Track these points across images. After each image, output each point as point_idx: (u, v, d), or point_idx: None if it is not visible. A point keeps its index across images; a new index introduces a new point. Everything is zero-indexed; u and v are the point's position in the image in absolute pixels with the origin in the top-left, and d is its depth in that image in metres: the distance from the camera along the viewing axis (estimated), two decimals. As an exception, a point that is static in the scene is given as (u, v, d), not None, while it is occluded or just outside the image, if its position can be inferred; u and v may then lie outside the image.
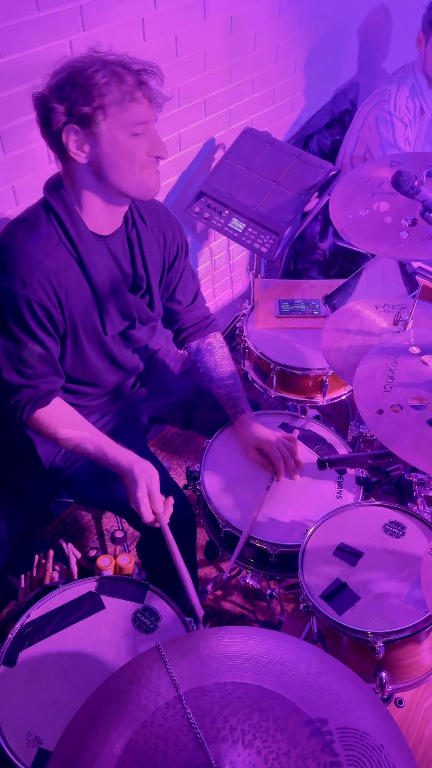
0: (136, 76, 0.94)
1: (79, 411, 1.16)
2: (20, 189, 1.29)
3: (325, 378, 1.39)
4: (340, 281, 1.52)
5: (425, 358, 1.01)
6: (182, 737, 0.61)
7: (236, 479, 1.20)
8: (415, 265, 1.54)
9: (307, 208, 1.62)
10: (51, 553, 1.07)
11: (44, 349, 1.05)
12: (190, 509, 1.23)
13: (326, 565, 0.93)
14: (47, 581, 1.01)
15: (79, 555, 1.10)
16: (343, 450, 1.24)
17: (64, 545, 1.11)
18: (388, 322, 1.28)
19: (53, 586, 0.97)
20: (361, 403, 0.94)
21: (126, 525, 1.66)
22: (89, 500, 1.24)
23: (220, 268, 2.11)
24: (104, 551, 1.34)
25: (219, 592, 1.59)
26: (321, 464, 1.11)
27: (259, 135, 1.67)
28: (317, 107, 2.11)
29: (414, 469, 1.07)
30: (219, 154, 1.80)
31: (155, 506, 1.03)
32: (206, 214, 1.65)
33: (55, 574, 1.04)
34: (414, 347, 1.03)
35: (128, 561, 1.03)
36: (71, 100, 0.91)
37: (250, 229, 1.60)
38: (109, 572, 1.01)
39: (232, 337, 1.63)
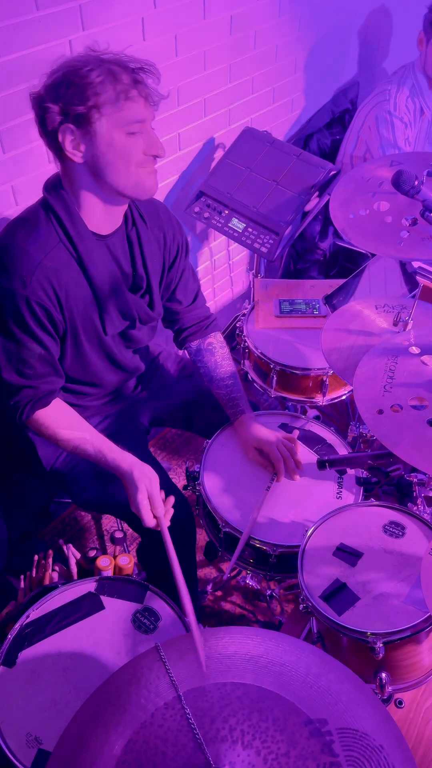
0: (131, 75, 0.93)
1: (79, 412, 1.16)
2: (20, 189, 1.29)
3: (325, 378, 1.39)
4: (341, 281, 1.52)
5: (425, 358, 1.01)
6: (181, 738, 0.61)
7: (236, 480, 1.19)
8: (416, 264, 1.53)
9: (307, 207, 1.62)
10: (50, 553, 1.07)
11: (44, 349, 1.05)
12: (190, 510, 1.23)
13: (326, 566, 0.93)
14: (47, 582, 1.01)
15: (78, 555, 1.10)
16: (343, 450, 1.24)
17: (64, 546, 1.11)
18: (388, 322, 1.28)
19: (53, 587, 0.97)
20: (361, 404, 0.94)
21: (126, 525, 1.66)
22: (90, 503, 1.24)
23: (220, 268, 2.11)
24: (104, 552, 1.33)
25: (219, 593, 1.59)
26: (321, 464, 1.11)
27: (259, 134, 1.67)
28: (317, 107, 2.11)
29: (414, 470, 1.07)
30: (219, 154, 1.80)
31: (156, 510, 1.02)
32: (206, 214, 1.65)
33: (55, 575, 1.04)
34: (414, 347, 1.03)
35: (128, 561, 1.03)
36: (66, 99, 0.91)
37: (250, 229, 1.60)
38: (109, 573, 1.01)
39: (232, 337, 1.63)
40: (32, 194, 1.10)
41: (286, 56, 1.88)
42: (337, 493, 1.16)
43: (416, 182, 0.97)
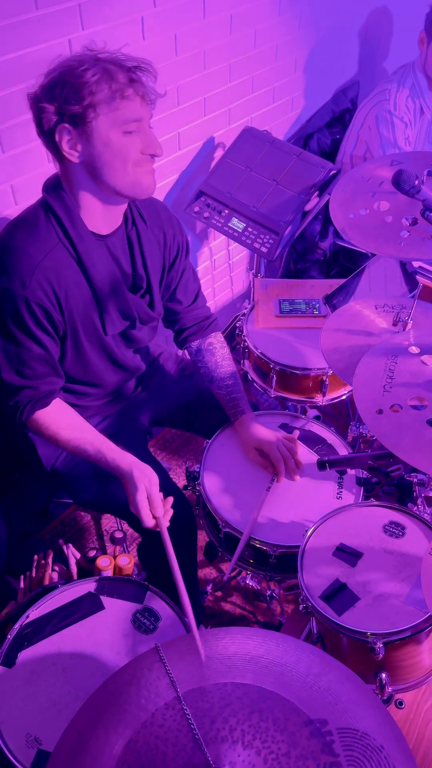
0: (127, 74, 0.93)
1: (79, 412, 1.16)
2: (19, 188, 1.29)
3: (324, 378, 1.39)
4: (341, 281, 1.52)
5: (425, 358, 1.01)
6: (182, 738, 0.61)
7: (236, 480, 1.19)
8: (416, 264, 1.53)
9: (308, 207, 1.61)
10: (50, 553, 1.07)
11: (43, 350, 1.05)
12: (191, 510, 1.23)
13: (326, 566, 0.93)
14: (46, 582, 1.01)
15: (78, 555, 1.10)
16: (343, 450, 1.24)
17: (64, 546, 1.10)
18: (388, 322, 1.28)
19: (52, 587, 0.96)
20: (361, 403, 0.94)
21: (125, 525, 1.65)
22: (90, 503, 1.24)
23: (220, 268, 2.10)
24: (104, 552, 1.33)
25: (219, 593, 1.59)
26: (321, 465, 1.11)
27: (258, 134, 1.67)
28: (317, 106, 2.11)
29: (414, 470, 1.07)
30: (219, 154, 1.80)
31: (155, 510, 1.02)
32: (206, 214, 1.65)
33: (55, 575, 1.04)
34: (414, 347, 1.03)
35: (128, 561, 1.03)
36: (62, 99, 0.91)
37: (250, 229, 1.60)
38: (109, 573, 1.01)
39: (232, 337, 1.63)
40: (32, 194, 1.10)
41: (286, 55, 1.87)
42: (337, 493, 1.16)
43: (416, 182, 0.97)
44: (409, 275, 1.54)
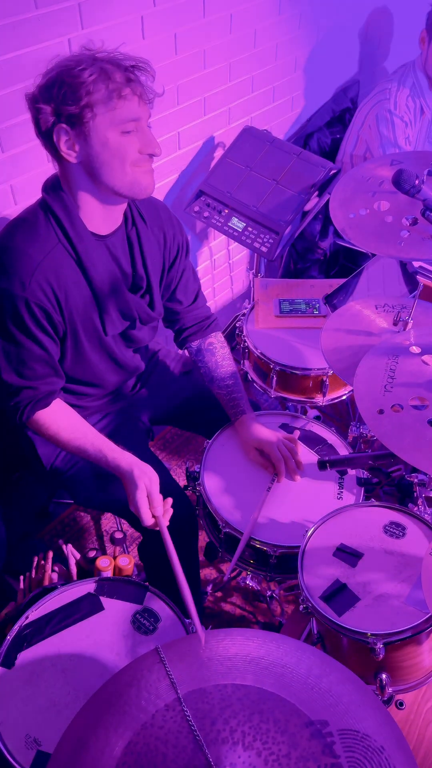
0: (124, 73, 0.92)
1: (79, 412, 1.15)
2: (19, 188, 1.29)
3: (325, 378, 1.39)
4: (341, 281, 1.52)
5: (426, 357, 1.00)
6: (182, 739, 0.60)
7: (236, 480, 1.19)
8: (416, 264, 1.53)
9: (308, 207, 1.61)
10: (50, 554, 1.07)
11: (43, 351, 1.05)
12: (192, 510, 1.23)
13: (326, 566, 0.93)
14: (46, 582, 1.01)
15: (78, 556, 1.09)
16: (343, 450, 1.24)
17: (63, 546, 1.10)
18: (388, 321, 1.27)
19: (52, 588, 0.96)
20: (362, 404, 0.93)
21: (125, 526, 1.65)
22: (90, 502, 1.24)
23: (220, 268, 2.10)
24: (103, 552, 1.33)
25: (219, 594, 1.59)
26: (321, 465, 1.11)
27: (259, 133, 1.67)
28: (317, 105, 2.10)
29: (415, 470, 1.06)
30: (219, 153, 1.79)
31: (155, 510, 1.02)
32: (206, 213, 1.64)
33: (54, 576, 1.04)
34: (414, 347, 1.02)
35: (127, 562, 1.03)
36: (59, 99, 0.91)
37: (250, 228, 1.59)
38: (109, 573, 1.01)
39: (232, 337, 1.63)
40: (31, 193, 1.10)
41: (287, 55, 1.87)
42: (338, 493, 1.16)
43: (417, 181, 0.96)
44: (410, 275, 1.54)
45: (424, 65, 1.87)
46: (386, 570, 0.92)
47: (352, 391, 1.43)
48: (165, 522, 1.01)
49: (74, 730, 0.64)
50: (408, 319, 1.17)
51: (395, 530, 0.97)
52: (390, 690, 0.88)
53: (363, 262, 1.58)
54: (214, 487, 1.17)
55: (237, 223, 1.61)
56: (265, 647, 0.68)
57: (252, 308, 1.57)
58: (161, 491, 1.05)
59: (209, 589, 1.55)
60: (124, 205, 1.09)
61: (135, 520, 1.14)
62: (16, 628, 0.90)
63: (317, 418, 1.52)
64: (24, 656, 0.88)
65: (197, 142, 1.72)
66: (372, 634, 0.84)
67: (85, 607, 0.93)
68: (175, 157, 1.66)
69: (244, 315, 1.55)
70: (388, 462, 1.06)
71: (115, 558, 1.03)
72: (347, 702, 0.63)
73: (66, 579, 1.04)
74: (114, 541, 1.17)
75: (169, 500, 1.05)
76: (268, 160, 1.62)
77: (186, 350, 1.37)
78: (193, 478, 1.21)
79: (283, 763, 0.58)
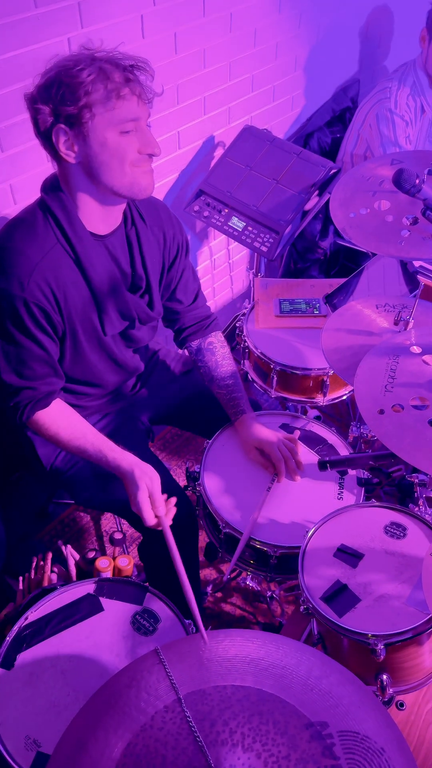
0: (123, 73, 0.92)
1: (79, 412, 1.15)
2: (18, 187, 1.28)
3: (325, 378, 1.39)
4: (341, 280, 1.51)
5: (426, 357, 1.00)
6: (181, 741, 0.60)
7: (236, 480, 1.19)
8: (417, 264, 1.53)
9: (308, 206, 1.61)
10: (49, 554, 1.07)
11: (43, 351, 1.05)
12: (192, 510, 1.23)
13: (327, 567, 0.92)
14: (45, 583, 1.01)
15: (77, 556, 1.09)
16: (344, 451, 1.23)
17: (63, 547, 1.10)
18: (389, 321, 1.27)
19: (51, 588, 0.96)
20: (362, 404, 0.93)
21: (125, 526, 1.65)
22: (90, 502, 1.24)
23: (220, 267, 2.10)
24: (103, 553, 1.33)
25: (219, 594, 1.59)
26: (322, 465, 1.11)
27: (259, 133, 1.67)
28: (318, 105, 2.10)
29: (415, 470, 1.06)
30: (219, 152, 1.79)
31: (157, 509, 1.02)
32: (206, 213, 1.64)
33: (54, 576, 1.03)
34: (415, 347, 1.02)
35: (127, 563, 1.03)
36: (57, 100, 0.90)
37: (250, 228, 1.59)
38: (108, 574, 1.01)
39: (232, 337, 1.63)
40: (31, 193, 1.10)
41: (287, 54, 1.87)
42: (338, 493, 1.15)
43: (417, 181, 0.96)
44: (410, 275, 1.54)
45: (424, 64, 1.86)
46: (387, 571, 0.91)
47: (352, 391, 1.43)
48: (168, 522, 1.01)
49: (73, 732, 0.64)
50: (409, 318, 1.17)
51: (396, 531, 0.97)
52: (390, 691, 0.88)
53: (363, 262, 1.58)
54: (214, 488, 1.17)
55: (237, 223, 1.60)
56: (265, 648, 0.68)
57: (252, 308, 1.57)
58: (161, 491, 1.05)
59: (209, 589, 1.55)
60: (124, 205, 1.08)
61: (135, 521, 1.14)
62: (15, 628, 0.90)
63: (317, 418, 1.52)
64: (23, 657, 0.88)
65: (197, 141, 1.71)
66: (373, 635, 0.83)
67: (85, 608, 0.93)
68: (175, 156, 1.66)
69: (244, 315, 1.55)
70: (388, 462, 1.06)
71: (114, 558, 1.03)
72: (347, 703, 0.63)
73: (65, 580, 1.03)
74: (113, 541, 1.16)
75: (173, 499, 1.04)
76: (269, 159, 1.62)
77: (186, 350, 1.36)
78: (193, 478, 1.20)
79: (282, 765, 0.58)
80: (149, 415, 1.39)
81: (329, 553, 0.94)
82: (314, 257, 2.09)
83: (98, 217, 1.04)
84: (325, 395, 1.42)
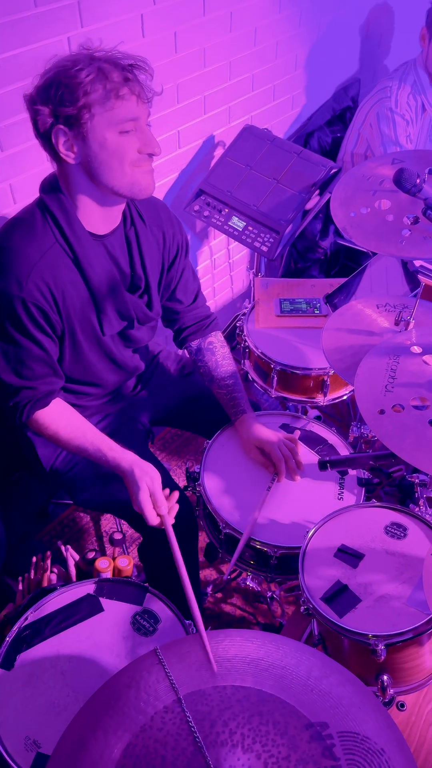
0: (122, 73, 0.92)
1: (80, 412, 1.15)
2: (18, 187, 1.28)
3: (326, 378, 1.38)
4: (342, 280, 1.51)
5: (427, 357, 1.00)
6: (181, 741, 0.60)
7: (236, 480, 1.19)
8: (417, 263, 1.52)
9: (308, 206, 1.61)
10: (49, 555, 1.07)
11: (42, 351, 1.05)
12: (192, 510, 1.22)
13: (327, 567, 0.92)
14: (45, 583, 1.01)
15: (77, 557, 1.09)
16: (344, 451, 1.23)
17: (63, 547, 1.10)
18: (390, 321, 1.27)
19: (51, 589, 0.96)
20: (363, 404, 0.93)
21: (125, 527, 1.65)
22: (89, 502, 1.24)
23: (220, 267, 2.10)
24: (103, 553, 1.33)
25: (219, 595, 1.58)
26: (322, 465, 1.10)
27: (259, 132, 1.66)
28: (318, 104, 2.10)
29: (416, 470, 1.06)
30: (219, 152, 1.79)
31: (159, 508, 1.02)
32: (206, 213, 1.64)
33: (53, 577, 1.03)
34: (416, 347, 1.02)
35: (127, 563, 1.03)
36: (56, 100, 0.90)
37: (250, 228, 1.59)
38: (108, 574, 1.01)
39: (232, 337, 1.63)
40: (30, 192, 1.10)
41: (287, 53, 1.87)
42: (339, 493, 1.15)
43: (418, 180, 0.96)
44: (411, 274, 1.53)
45: (425, 63, 1.86)
46: (387, 571, 0.91)
47: (352, 391, 1.42)
48: (170, 520, 1.01)
49: (73, 732, 0.64)
50: (409, 318, 1.17)
51: (396, 531, 0.97)
52: (391, 691, 0.87)
53: (364, 262, 1.57)
54: (214, 488, 1.17)
55: (237, 223, 1.60)
56: (265, 648, 0.68)
57: (252, 308, 1.56)
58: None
59: (209, 590, 1.54)
60: (123, 205, 1.08)
61: (135, 521, 1.14)
62: (15, 629, 0.90)
63: (318, 418, 1.52)
64: (23, 658, 0.88)
65: (197, 141, 1.71)
66: (373, 636, 0.83)
67: (85, 609, 0.93)
68: (175, 156, 1.66)
69: (244, 314, 1.55)
70: (389, 462, 1.06)
71: (114, 559, 1.03)
72: (347, 704, 0.63)
73: (65, 580, 1.03)
74: (113, 542, 1.16)
75: (175, 495, 1.04)
76: (269, 159, 1.61)
77: (185, 350, 1.36)
78: (193, 478, 1.20)
79: (282, 766, 0.58)
80: (149, 417, 1.39)
81: (329, 554, 0.94)
82: (315, 257, 2.09)
83: (97, 217, 1.04)
84: (325, 395, 1.42)
